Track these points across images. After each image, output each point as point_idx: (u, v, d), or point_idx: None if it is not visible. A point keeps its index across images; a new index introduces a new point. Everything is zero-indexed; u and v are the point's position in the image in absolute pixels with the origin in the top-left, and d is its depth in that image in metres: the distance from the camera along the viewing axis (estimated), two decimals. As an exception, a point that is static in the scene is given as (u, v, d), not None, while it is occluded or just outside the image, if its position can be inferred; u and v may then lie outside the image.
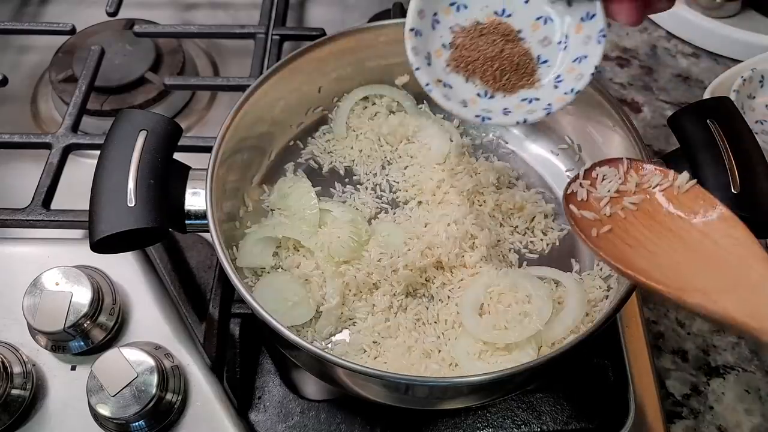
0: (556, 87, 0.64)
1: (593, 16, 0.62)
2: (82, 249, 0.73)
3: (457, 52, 0.65)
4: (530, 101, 0.64)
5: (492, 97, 0.65)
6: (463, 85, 0.65)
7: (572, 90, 0.63)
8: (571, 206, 0.63)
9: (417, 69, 0.64)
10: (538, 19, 0.65)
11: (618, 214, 0.61)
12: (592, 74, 0.62)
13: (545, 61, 0.65)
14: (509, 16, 0.65)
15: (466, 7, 0.66)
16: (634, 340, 0.80)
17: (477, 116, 0.63)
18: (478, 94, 0.65)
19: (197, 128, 1.05)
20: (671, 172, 0.62)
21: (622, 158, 0.64)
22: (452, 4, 0.65)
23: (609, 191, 0.62)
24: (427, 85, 0.63)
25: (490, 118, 0.63)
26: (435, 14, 0.65)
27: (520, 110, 0.64)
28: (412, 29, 0.64)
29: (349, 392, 0.72)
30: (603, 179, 0.64)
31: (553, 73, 0.65)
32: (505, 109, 0.64)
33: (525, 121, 0.63)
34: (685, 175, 0.61)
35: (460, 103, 0.64)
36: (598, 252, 0.59)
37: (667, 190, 0.61)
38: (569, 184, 0.66)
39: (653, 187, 0.61)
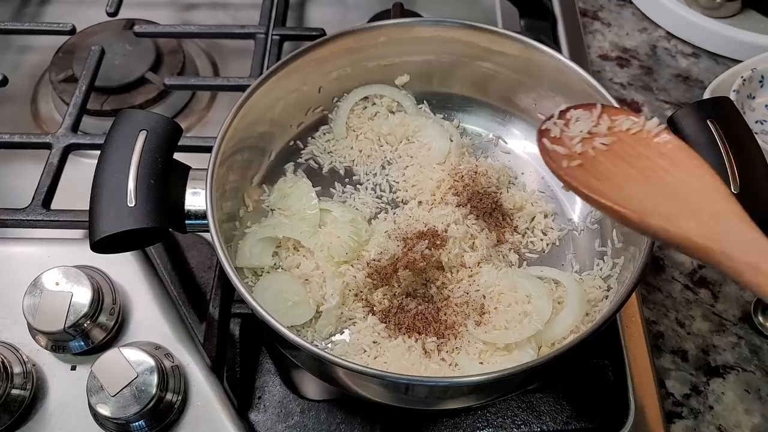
0: None
1: None
2: (82, 249, 0.73)
3: None
4: None
5: None
6: None
7: None
8: (544, 140, 0.65)
9: None
10: None
11: (589, 152, 0.63)
12: None
13: None
14: None
15: None
16: (634, 340, 0.80)
17: None
18: None
19: (197, 128, 1.05)
20: (642, 118, 0.64)
21: (596, 103, 0.67)
22: None
23: (581, 131, 0.65)
24: None
25: None
26: None
27: None
28: None
29: (349, 392, 0.72)
30: (577, 120, 0.66)
31: None
32: None
33: None
34: (655, 120, 0.63)
35: None
36: (568, 180, 0.62)
37: (637, 134, 0.63)
38: (544, 121, 0.67)
39: (624, 131, 0.64)
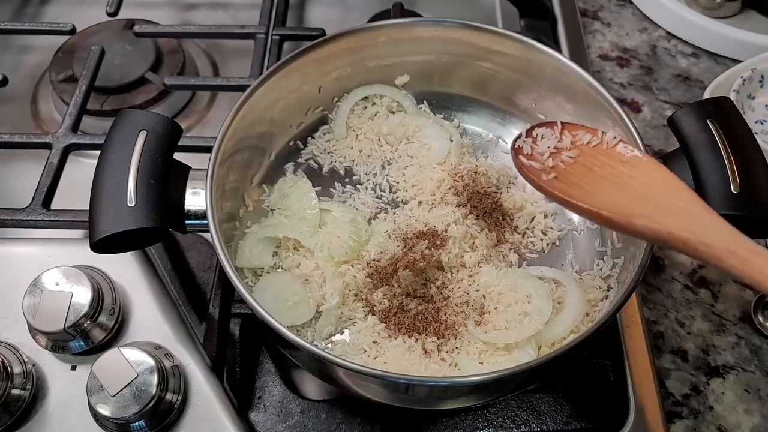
0: None
1: None
2: (82, 249, 0.73)
3: None
4: None
5: None
6: None
7: None
8: (520, 157, 0.71)
9: None
10: None
11: (559, 165, 0.69)
12: None
13: None
14: None
15: None
16: (634, 340, 0.80)
17: None
18: None
19: (197, 128, 1.05)
20: (599, 131, 0.70)
21: (555, 121, 0.72)
22: None
23: (548, 147, 0.71)
24: None
25: None
26: None
27: None
28: None
29: (349, 392, 0.72)
30: (542, 138, 0.72)
31: None
32: None
33: None
34: (611, 133, 0.70)
35: None
36: (552, 191, 0.67)
37: (598, 146, 0.69)
38: (515, 140, 0.73)
39: (585, 144, 0.70)
